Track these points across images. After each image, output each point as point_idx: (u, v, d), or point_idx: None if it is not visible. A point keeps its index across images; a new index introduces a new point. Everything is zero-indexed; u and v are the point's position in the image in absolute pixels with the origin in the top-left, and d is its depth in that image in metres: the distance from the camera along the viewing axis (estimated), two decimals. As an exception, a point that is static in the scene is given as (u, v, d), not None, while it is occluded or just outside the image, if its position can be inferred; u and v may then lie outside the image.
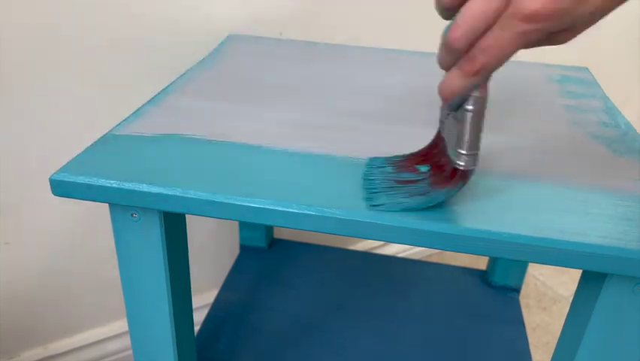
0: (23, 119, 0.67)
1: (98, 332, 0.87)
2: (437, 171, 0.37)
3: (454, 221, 0.35)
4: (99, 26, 0.66)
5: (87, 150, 0.41)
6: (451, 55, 0.32)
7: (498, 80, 0.61)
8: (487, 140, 0.46)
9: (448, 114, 0.36)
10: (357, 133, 0.46)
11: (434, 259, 1.17)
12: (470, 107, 0.33)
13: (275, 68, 0.61)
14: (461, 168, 0.35)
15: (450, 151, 0.36)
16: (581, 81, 0.62)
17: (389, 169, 0.39)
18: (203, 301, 0.89)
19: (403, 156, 0.40)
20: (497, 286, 0.78)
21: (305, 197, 0.36)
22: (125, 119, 0.46)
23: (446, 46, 0.32)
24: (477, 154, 0.35)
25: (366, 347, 0.67)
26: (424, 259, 0.90)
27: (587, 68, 0.67)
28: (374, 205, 0.36)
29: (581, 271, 0.38)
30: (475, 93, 0.33)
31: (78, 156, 0.40)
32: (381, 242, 1.13)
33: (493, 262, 0.79)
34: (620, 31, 1.17)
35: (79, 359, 0.86)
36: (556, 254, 0.34)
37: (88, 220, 0.77)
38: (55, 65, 0.66)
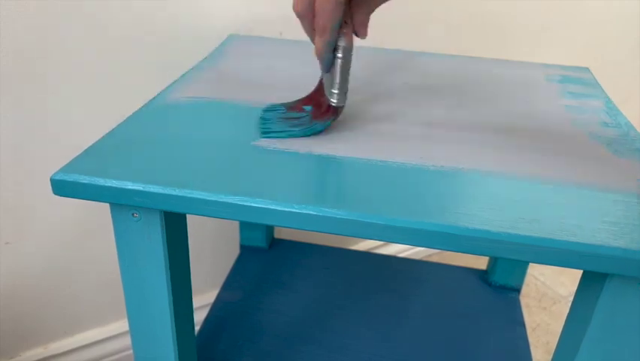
0: (23, 119, 0.67)
1: (98, 332, 0.87)
2: (317, 109, 0.46)
3: (454, 221, 0.35)
4: (99, 26, 0.66)
5: (88, 149, 0.41)
6: (302, 22, 0.42)
7: (499, 80, 0.61)
8: (486, 139, 0.47)
9: (327, 72, 0.45)
10: (356, 133, 0.46)
11: (434, 259, 1.17)
12: (339, 55, 0.43)
13: (275, 68, 0.61)
14: (334, 104, 0.45)
15: (327, 92, 0.45)
16: (581, 81, 0.62)
17: (281, 110, 0.48)
18: (203, 301, 0.89)
19: (294, 101, 0.49)
20: (497, 286, 0.78)
21: (305, 197, 0.37)
22: (124, 120, 0.46)
23: (296, 15, 0.42)
24: (345, 93, 0.45)
25: (366, 347, 0.67)
26: (424, 259, 0.90)
27: (587, 68, 0.67)
28: (265, 133, 0.45)
29: (581, 271, 0.38)
30: (341, 43, 0.42)
31: (79, 155, 0.40)
32: (381, 242, 1.13)
33: (493, 262, 0.79)
34: (620, 32, 1.17)
35: (79, 359, 0.86)
36: (557, 254, 0.34)
37: (88, 220, 0.77)
38: (55, 65, 0.66)
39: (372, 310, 0.73)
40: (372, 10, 0.43)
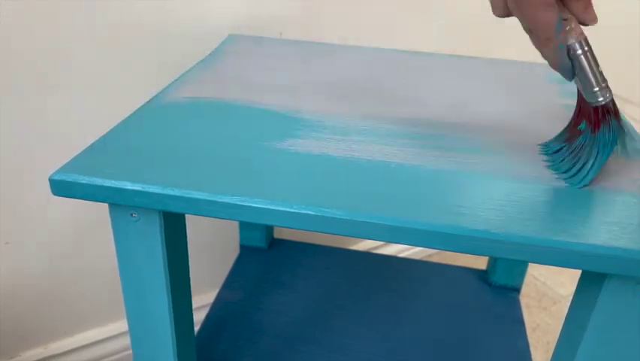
0: (23, 118, 0.67)
1: (98, 332, 0.87)
2: (590, 122, 0.40)
3: (454, 221, 0.35)
4: (99, 26, 0.66)
5: (86, 149, 0.41)
6: (530, 37, 0.38)
7: (499, 80, 0.61)
8: (486, 138, 0.46)
9: (572, 78, 0.39)
10: (357, 133, 0.46)
11: (434, 259, 1.17)
12: (579, 51, 0.37)
13: (275, 68, 0.61)
14: (600, 104, 0.38)
15: (587, 97, 0.39)
16: (581, 81, 0.62)
17: (565, 148, 0.42)
18: (203, 301, 0.89)
19: (565, 129, 0.43)
20: (497, 286, 0.78)
21: (305, 197, 0.36)
22: (124, 120, 0.46)
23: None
24: (606, 85, 0.38)
25: (366, 347, 0.67)
26: (424, 259, 0.90)
27: (587, 68, 0.67)
28: (586, 185, 0.39)
29: (580, 271, 0.38)
30: (572, 41, 0.37)
31: (78, 155, 0.40)
32: (381, 242, 1.13)
33: (493, 262, 0.79)
34: (620, 31, 1.17)
35: (79, 359, 0.86)
36: (556, 254, 0.34)
37: (88, 220, 0.77)
38: (55, 65, 0.66)
39: (372, 310, 0.73)
40: None
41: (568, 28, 0.37)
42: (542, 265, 0.88)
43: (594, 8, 0.38)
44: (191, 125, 0.46)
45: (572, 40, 0.37)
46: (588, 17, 0.38)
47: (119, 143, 0.42)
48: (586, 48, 0.38)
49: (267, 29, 0.76)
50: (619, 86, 0.89)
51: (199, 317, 0.72)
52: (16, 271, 0.75)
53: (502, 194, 0.38)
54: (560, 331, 0.44)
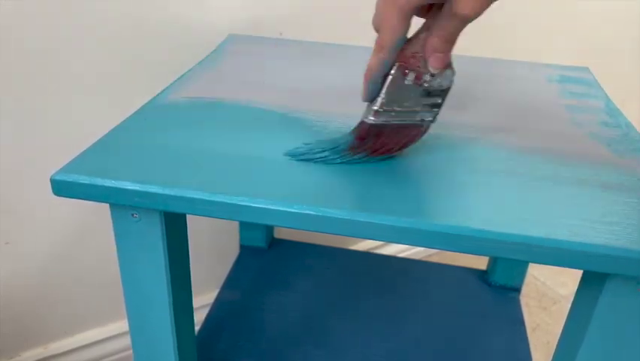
0: (23, 119, 0.67)
1: (98, 332, 0.87)
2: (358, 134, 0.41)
3: (454, 221, 0.35)
4: (99, 26, 0.66)
5: (87, 150, 0.41)
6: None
7: (498, 80, 0.61)
8: (487, 139, 0.46)
9: (368, 100, 0.40)
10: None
11: (434, 259, 1.17)
12: (392, 72, 0.38)
13: (275, 68, 0.61)
14: (368, 121, 0.39)
15: (365, 111, 0.40)
16: (581, 81, 0.62)
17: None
18: (203, 301, 0.89)
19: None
20: (497, 286, 0.78)
21: (305, 197, 0.36)
22: (124, 120, 0.46)
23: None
24: (376, 112, 0.39)
25: (366, 347, 0.67)
26: (424, 259, 0.90)
27: (587, 68, 0.67)
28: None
29: (581, 271, 0.38)
30: (409, 62, 0.37)
31: (78, 156, 0.40)
32: (381, 242, 1.13)
33: (493, 262, 0.79)
34: (620, 31, 1.17)
35: (79, 359, 0.86)
36: (557, 254, 0.34)
37: (88, 220, 0.77)
38: (55, 65, 0.66)
39: (372, 310, 0.73)
40: (450, 34, 0.36)
41: (409, 53, 0.37)
42: (542, 265, 0.88)
43: (446, 60, 0.37)
44: (191, 126, 0.46)
45: (402, 68, 0.37)
46: (430, 59, 0.37)
47: (120, 143, 0.42)
48: (401, 75, 0.37)
49: (267, 29, 0.76)
50: (619, 86, 0.89)
51: (199, 317, 0.72)
52: (17, 271, 0.75)
53: (502, 194, 0.38)
54: (560, 331, 0.44)
